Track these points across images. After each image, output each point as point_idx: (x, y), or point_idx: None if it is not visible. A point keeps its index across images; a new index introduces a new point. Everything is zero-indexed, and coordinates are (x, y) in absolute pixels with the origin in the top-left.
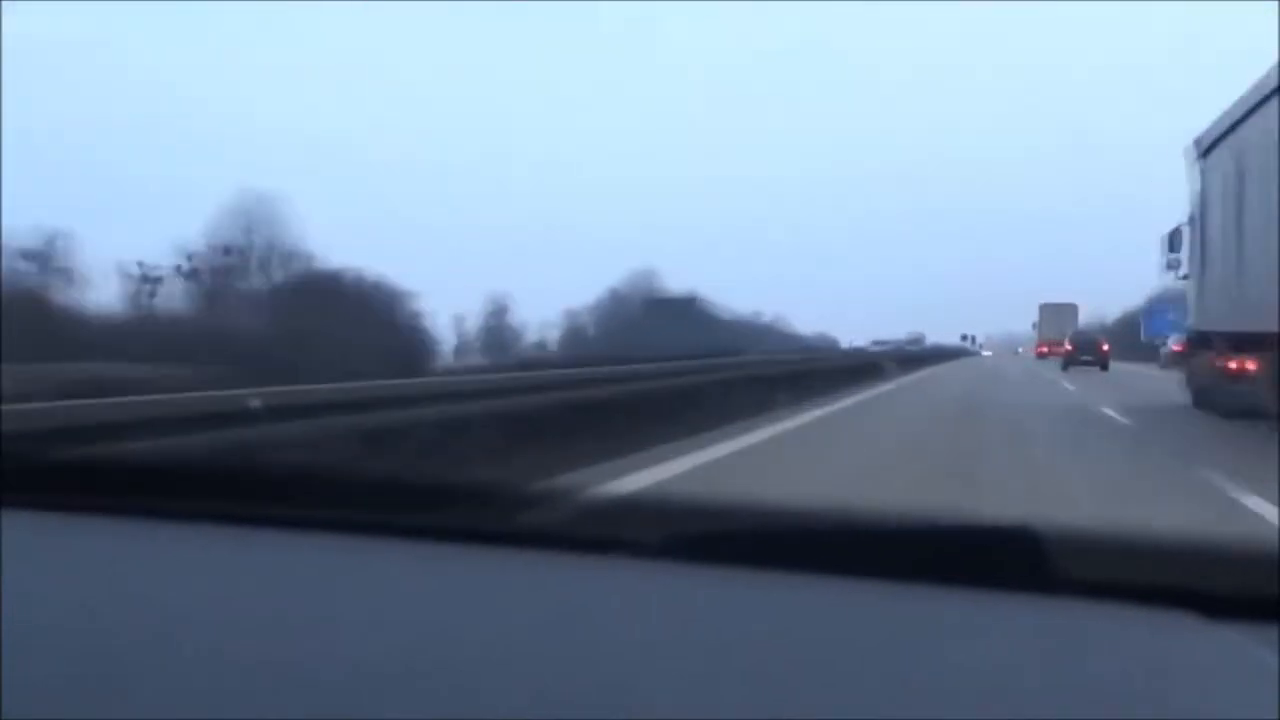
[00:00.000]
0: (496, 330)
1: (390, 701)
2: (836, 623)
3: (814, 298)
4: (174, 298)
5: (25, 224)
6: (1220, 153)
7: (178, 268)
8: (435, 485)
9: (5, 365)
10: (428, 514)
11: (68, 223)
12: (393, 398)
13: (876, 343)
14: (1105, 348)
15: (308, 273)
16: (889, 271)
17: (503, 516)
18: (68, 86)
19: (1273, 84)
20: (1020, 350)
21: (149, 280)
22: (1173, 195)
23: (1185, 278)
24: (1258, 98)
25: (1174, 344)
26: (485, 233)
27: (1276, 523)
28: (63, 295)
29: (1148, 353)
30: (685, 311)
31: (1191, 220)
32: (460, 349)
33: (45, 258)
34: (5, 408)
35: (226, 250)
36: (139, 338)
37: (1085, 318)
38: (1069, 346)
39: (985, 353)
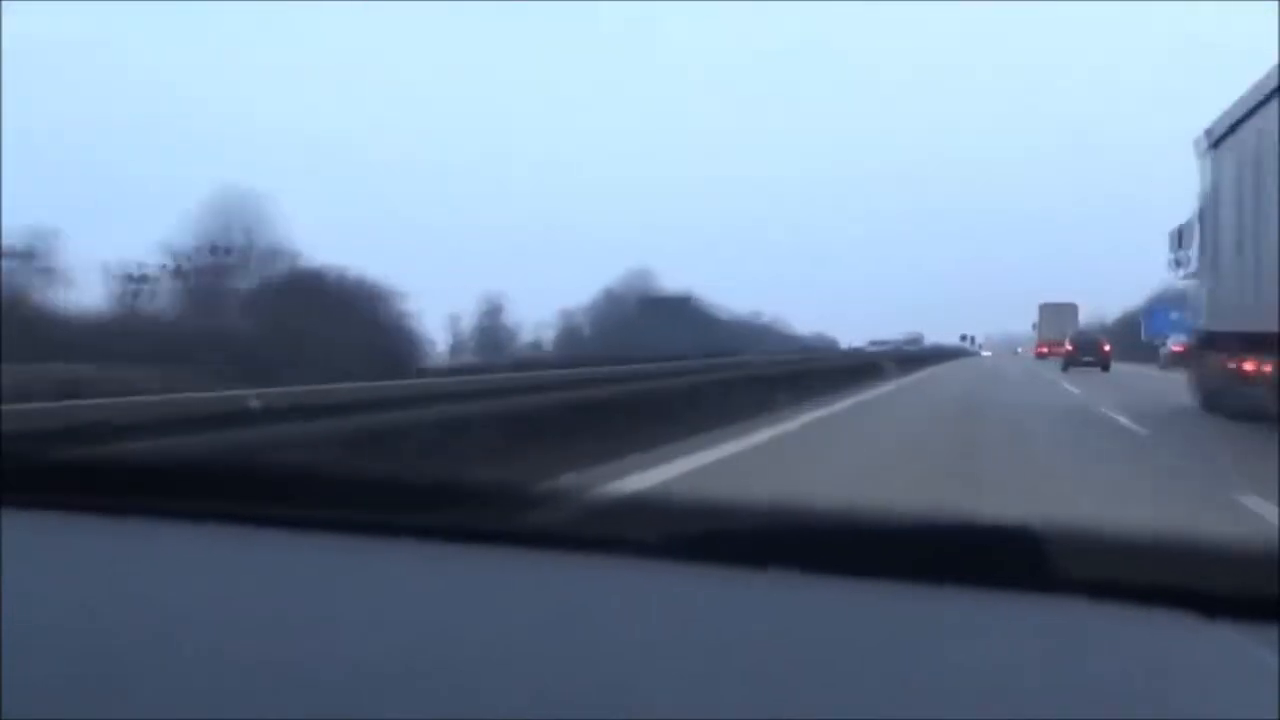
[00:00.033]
0: (491, 330)
1: (390, 701)
2: (836, 622)
3: (813, 298)
4: (158, 297)
5: (13, 224)
6: (1231, 145)
7: (162, 267)
8: (434, 485)
9: None
10: (427, 514)
11: (55, 222)
12: (372, 401)
13: (874, 343)
14: (1106, 348)
15: (292, 272)
16: (888, 271)
17: (502, 516)
18: (68, 86)
19: None
20: (1019, 350)
21: (134, 280)
22: (1173, 194)
23: (1191, 276)
24: (1272, 85)
25: (1173, 344)
26: (484, 233)
27: None
28: (45, 294)
29: (1148, 353)
30: (680, 311)
31: (1200, 216)
32: (455, 349)
33: (29, 256)
34: (5, 408)
35: (213, 249)
36: (120, 338)
37: (1085, 318)
38: (1069, 347)
39: (985, 353)
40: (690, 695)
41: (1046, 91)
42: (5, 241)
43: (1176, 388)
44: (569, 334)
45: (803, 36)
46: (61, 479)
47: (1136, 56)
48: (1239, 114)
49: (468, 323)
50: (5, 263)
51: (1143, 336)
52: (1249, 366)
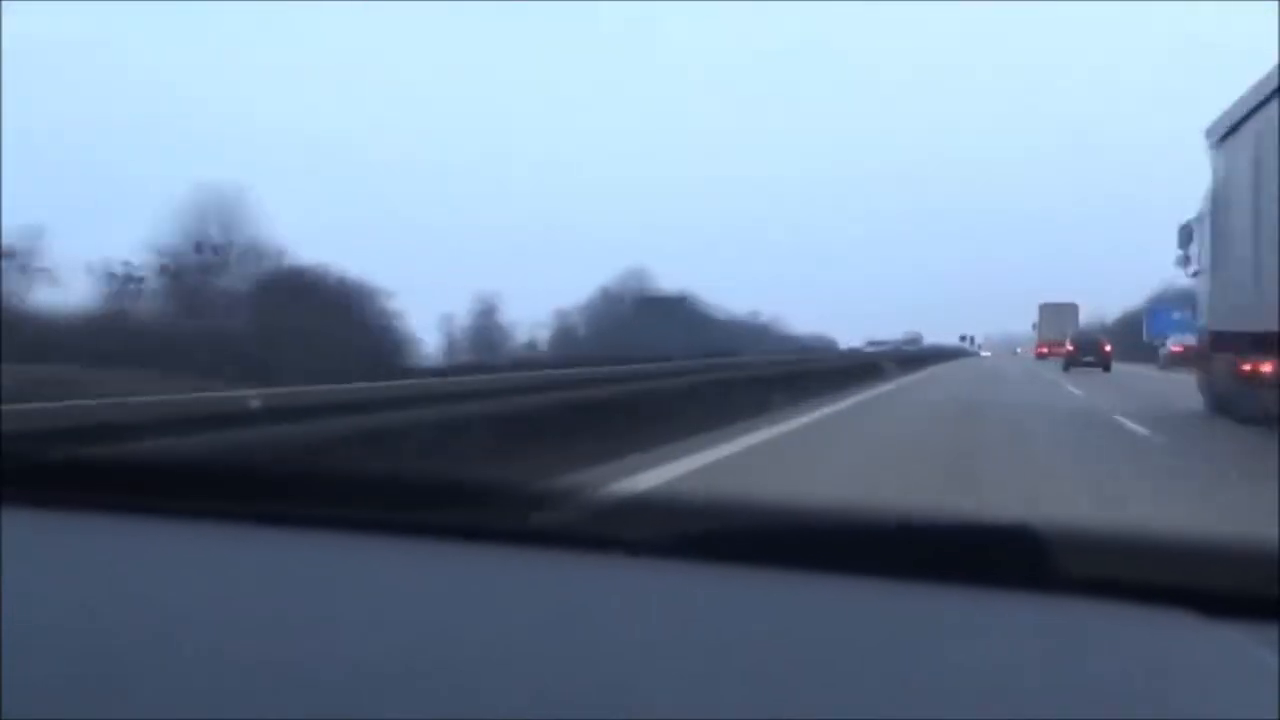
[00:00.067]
0: (485, 329)
1: (390, 700)
2: (837, 620)
3: (812, 298)
4: (144, 296)
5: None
6: (1237, 141)
7: (152, 267)
8: (434, 484)
9: None
10: (426, 513)
11: (55, 222)
12: (355, 403)
13: (872, 343)
14: (1107, 348)
15: (275, 271)
16: (888, 271)
17: (503, 515)
18: (67, 86)
19: None
20: (1018, 351)
21: (119, 279)
22: (1173, 194)
23: (1196, 275)
24: (1272, 86)
25: (1173, 345)
26: (482, 232)
27: None
28: (31, 294)
29: (1149, 353)
30: (675, 311)
31: (1209, 213)
32: (448, 348)
33: (12, 256)
34: (5, 408)
35: (198, 247)
36: (103, 338)
37: (1085, 318)
38: (1070, 347)
39: (984, 353)
40: (690, 694)
41: (1046, 91)
42: (3, 242)
43: (1179, 389)
44: (564, 334)
45: (803, 36)
46: (61, 477)
47: (1136, 56)
48: (1240, 113)
49: (461, 322)
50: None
51: (1145, 336)
52: (1258, 368)
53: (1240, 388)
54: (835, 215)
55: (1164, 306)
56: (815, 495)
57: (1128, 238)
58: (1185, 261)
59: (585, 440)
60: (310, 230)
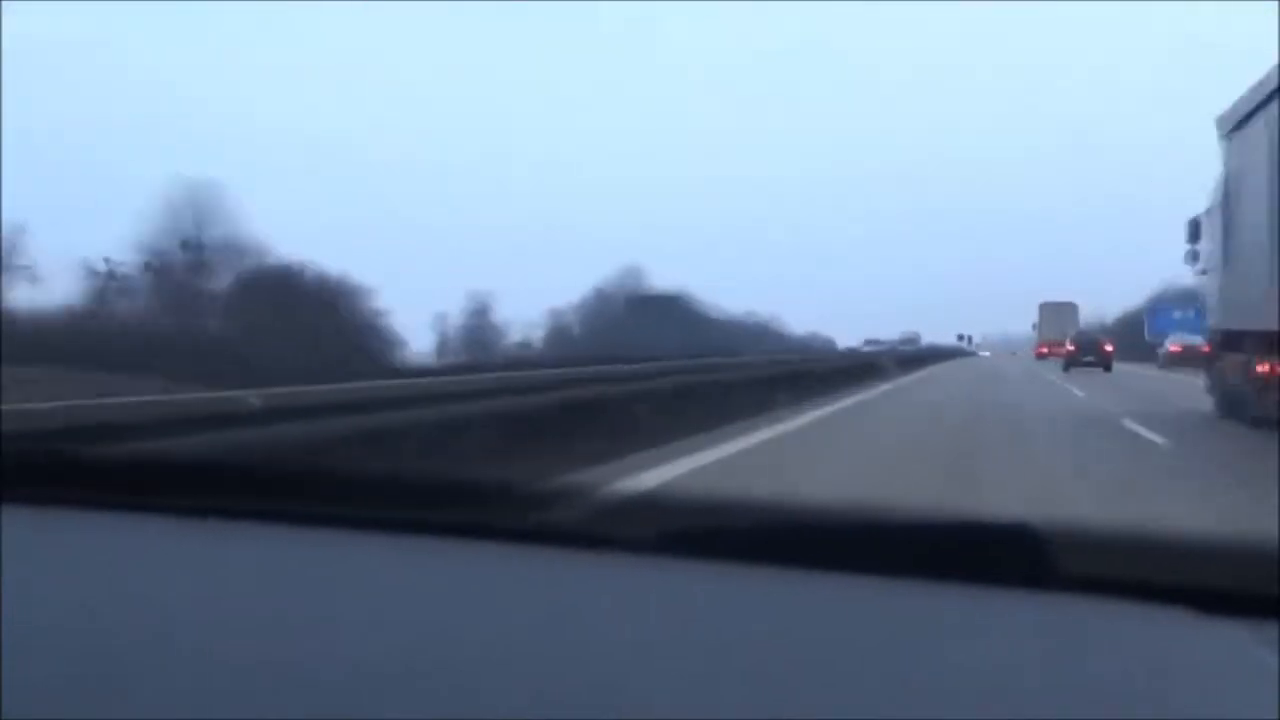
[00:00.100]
0: (478, 329)
1: (390, 699)
2: (835, 619)
3: (812, 298)
4: (126, 295)
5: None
6: (1249, 131)
7: (140, 263)
8: (433, 483)
9: None
10: (425, 511)
11: (55, 222)
12: (338, 404)
13: (869, 342)
14: (1108, 348)
15: (258, 269)
16: (887, 271)
17: (499, 513)
18: (67, 86)
19: None
20: (1015, 353)
21: (100, 274)
22: (1173, 194)
23: (1204, 273)
24: (1272, 86)
25: (1171, 345)
26: (481, 232)
27: None
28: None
29: (1148, 353)
30: (669, 310)
31: (1220, 206)
32: (442, 347)
33: None
34: (5, 408)
35: (183, 244)
36: (75, 338)
37: (1085, 318)
38: (1071, 347)
39: (984, 353)
40: (689, 693)
41: (1046, 91)
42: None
43: (1180, 389)
44: (558, 333)
45: (803, 36)
46: (61, 475)
47: (1136, 56)
48: (1254, 101)
49: (455, 321)
50: None
51: (1146, 336)
52: (1275, 369)
53: (1253, 390)
54: (834, 215)
55: (1165, 306)
56: (814, 494)
57: (1128, 238)
58: (1194, 258)
59: (583, 441)
60: (310, 230)
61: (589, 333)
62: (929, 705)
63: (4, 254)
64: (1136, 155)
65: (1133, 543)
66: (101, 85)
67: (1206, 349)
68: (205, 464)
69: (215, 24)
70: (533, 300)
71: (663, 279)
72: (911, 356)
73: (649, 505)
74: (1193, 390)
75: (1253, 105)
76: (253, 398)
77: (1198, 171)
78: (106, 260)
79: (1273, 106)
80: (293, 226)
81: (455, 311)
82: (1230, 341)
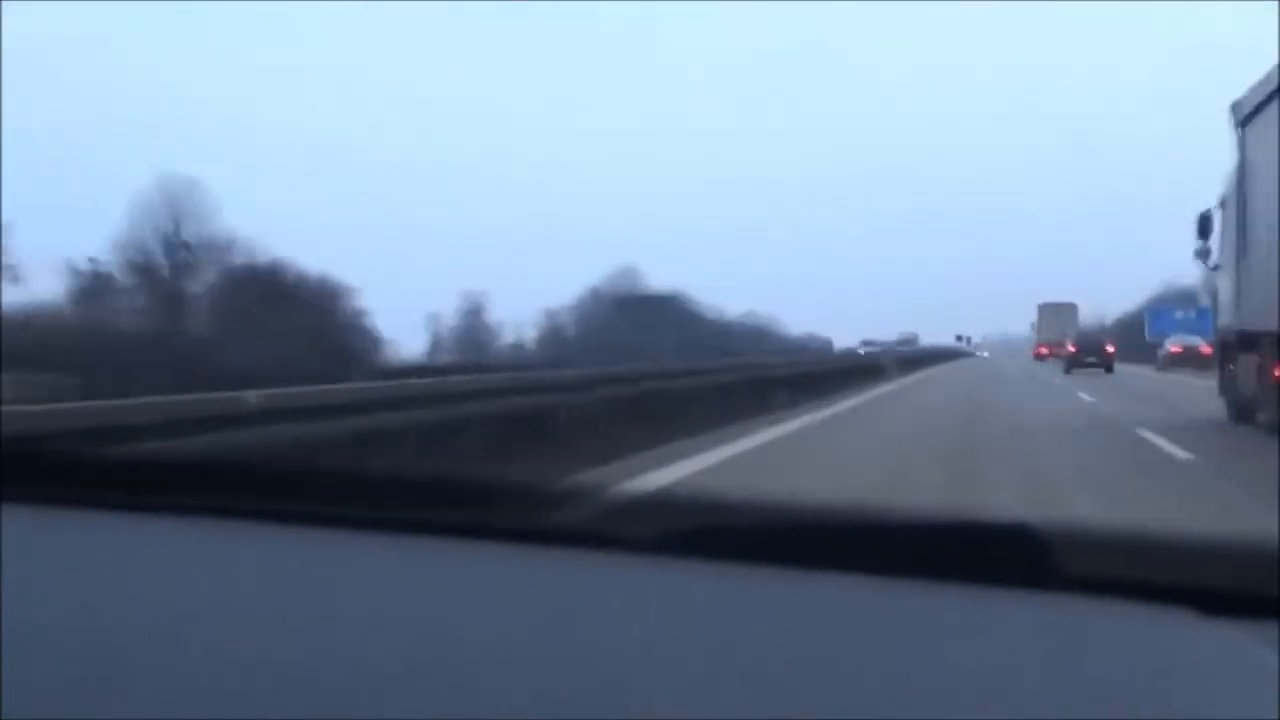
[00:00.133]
0: (471, 329)
1: (390, 699)
2: (835, 619)
3: (811, 298)
4: (106, 294)
5: None
6: (1266, 118)
7: (103, 263)
8: (434, 482)
9: None
10: (426, 511)
11: (55, 222)
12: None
13: (866, 343)
14: (1110, 349)
15: (233, 268)
16: (886, 272)
17: (499, 513)
18: (67, 86)
19: None
20: (1015, 355)
21: (84, 274)
22: (1173, 194)
23: (1216, 269)
24: (1272, 86)
25: (1171, 345)
26: (482, 233)
27: None
28: None
29: (1148, 354)
30: (664, 311)
31: (1233, 199)
32: (434, 348)
33: None
34: (5, 409)
35: (167, 243)
36: (49, 339)
37: (1085, 318)
38: (1072, 347)
39: (983, 353)
40: (690, 693)
41: (1046, 91)
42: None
43: (1183, 390)
44: (552, 333)
45: (803, 36)
46: (61, 474)
47: (1136, 56)
48: (1271, 87)
49: (449, 321)
50: None
51: (1146, 336)
52: None
53: (1270, 394)
54: (834, 215)
55: (1165, 306)
56: (815, 494)
57: (1128, 238)
58: (1205, 254)
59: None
60: (308, 230)
61: (584, 333)
62: (929, 705)
63: (2, 253)
64: (1136, 155)
65: (1133, 543)
66: (101, 85)
67: (1207, 350)
68: (205, 464)
69: (215, 24)
70: (530, 301)
71: (661, 279)
72: (909, 358)
73: (650, 505)
74: (1194, 392)
75: (1269, 91)
76: (251, 397)
77: (1198, 171)
78: (91, 260)
79: (1259, 120)
80: (291, 226)
81: (449, 311)
82: (1245, 343)
